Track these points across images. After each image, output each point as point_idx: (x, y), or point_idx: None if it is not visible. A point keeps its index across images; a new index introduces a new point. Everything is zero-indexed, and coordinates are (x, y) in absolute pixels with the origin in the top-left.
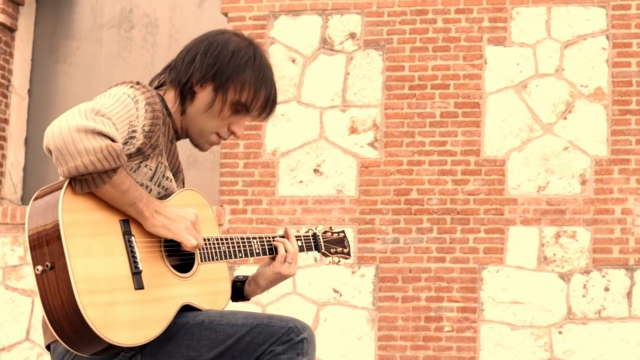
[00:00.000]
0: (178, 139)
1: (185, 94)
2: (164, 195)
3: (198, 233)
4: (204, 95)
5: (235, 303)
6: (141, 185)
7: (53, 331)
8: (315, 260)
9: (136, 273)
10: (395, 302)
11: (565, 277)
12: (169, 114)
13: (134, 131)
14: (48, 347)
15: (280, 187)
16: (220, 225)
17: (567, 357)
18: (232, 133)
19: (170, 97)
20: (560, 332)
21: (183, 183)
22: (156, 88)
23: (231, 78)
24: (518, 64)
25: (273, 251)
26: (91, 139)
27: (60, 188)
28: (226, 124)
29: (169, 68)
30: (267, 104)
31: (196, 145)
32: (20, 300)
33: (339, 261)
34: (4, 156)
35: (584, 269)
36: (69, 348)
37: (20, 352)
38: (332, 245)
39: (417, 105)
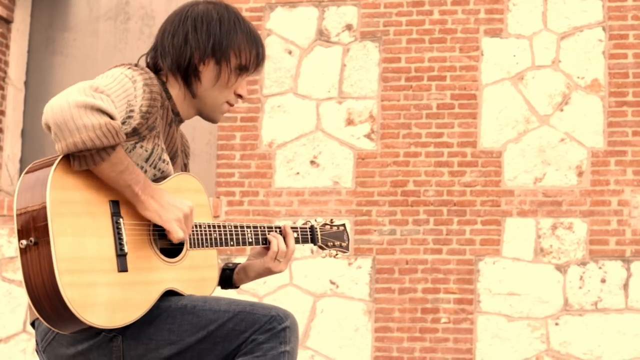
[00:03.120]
0: (180, 121)
1: (190, 77)
2: (160, 177)
3: (188, 227)
4: (208, 71)
5: (224, 291)
6: (139, 169)
7: (34, 308)
8: (312, 252)
9: (121, 255)
10: (392, 293)
11: (561, 268)
12: (169, 97)
13: (131, 111)
14: (33, 324)
15: (277, 178)
16: (216, 217)
17: (564, 349)
18: (238, 96)
19: (172, 82)
20: (556, 324)
21: (185, 167)
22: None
23: (229, 46)
24: (514, 55)
25: (266, 241)
26: (90, 116)
27: (51, 164)
28: (232, 90)
29: (158, 55)
30: (261, 58)
31: (209, 119)
32: (17, 291)
33: (336, 254)
34: (0, 148)
35: (580, 261)
36: (49, 326)
37: (17, 343)
38: (330, 239)
39: (414, 96)
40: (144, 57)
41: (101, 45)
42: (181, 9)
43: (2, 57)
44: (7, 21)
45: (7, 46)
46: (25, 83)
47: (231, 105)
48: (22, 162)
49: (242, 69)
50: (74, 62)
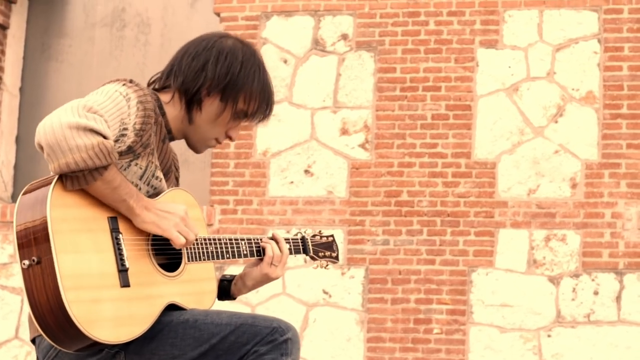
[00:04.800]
0: (172, 139)
1: (193, 103)
2: (153, 194)
3: (188, 229)
4: (212, 105)
5: (221, 302)
6: (130, 183)
7: (38, 326)
8: (305, 261)
9: (122, 270)
10: (385, 303)
11: (554, 280)
12: (163, 114)
13: (125, 129)
14: (33, 341)
15: (271, 187)
16: (210, 225)
17: None
18: (228, 137)
19: (175, 102)
20: (549, 336)
21: (177, 183)
22: (158, 90)
23: (241, 90)
24: (509, 67)
25: (261, 253)
26: (82, 136)
27: (49, 183)
28: (225, 130)
29: (172, 72)
30: (268, 113)
31: (193, 148)
32: (10, 298)
33: (327, 265)
34: None
35: (573, 273)
36: (53, 343)
37: (9, 350)
38: (321, 249)
39: (408, 107)
40: (157, 75)
41: (97, 52)
42: (211, 36)
43: None
44: (3, 27)
45: (3, 52)
46: (21, 89)
47: (219, 142)
48: (17, 169)
49: (245, 116)
50: (69, 69)
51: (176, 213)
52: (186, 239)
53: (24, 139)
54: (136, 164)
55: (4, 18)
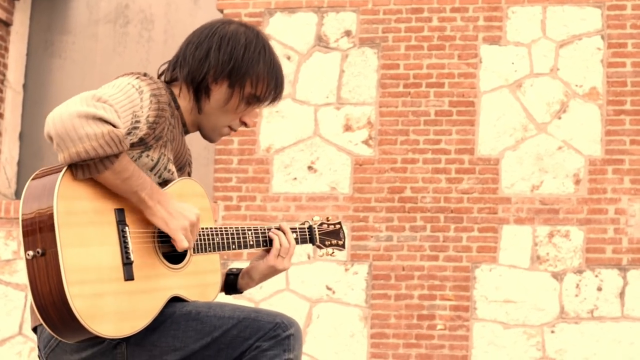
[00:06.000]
0: (187, 132)
1: (200, 92)
2: (162, 185)
3: (193, 236)
4: (219, 92)
5: (227, 296)
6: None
7: (39, 317)
8: (309, 257)
9: (127, 264)
10: (388, 299)
11: (558, 276)
12: (177, 107)
13: (137, 121)
14: (35, 330)
15: (274, 183)
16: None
17: (559, 357)
18: (243, 124)
19: (183, 93)
20: (552, 332)
21: (189, 176)
22: (168, 83)
23: (247, 73)
24: (513, 63)
25: (267, 243)
26: (92, 125)
27: (58, 171)
28: (238, 116)
29: (177, 63)
30: (278, 93)
31: (207, 138)
32: (14, 294)
33: (332, 252)
34: None
35: (577, 269)
36: (54, 334)
37: (12, 346)
38: (327, 237)
39: (412, 103)
40: (164, 65)
41: (100, 49)
42: (212, 23)
43: (1, 60)
44: (6, 24)
45: (6, 49)
46: (24, 86)
47: (233, 130)
48: (20, 165)
49: (255, 99)
50: (72, 65)
51: (188, 216)
52: (189, 244)
53: (27, 135)
54: (147, 156)
55: (7, 15)
